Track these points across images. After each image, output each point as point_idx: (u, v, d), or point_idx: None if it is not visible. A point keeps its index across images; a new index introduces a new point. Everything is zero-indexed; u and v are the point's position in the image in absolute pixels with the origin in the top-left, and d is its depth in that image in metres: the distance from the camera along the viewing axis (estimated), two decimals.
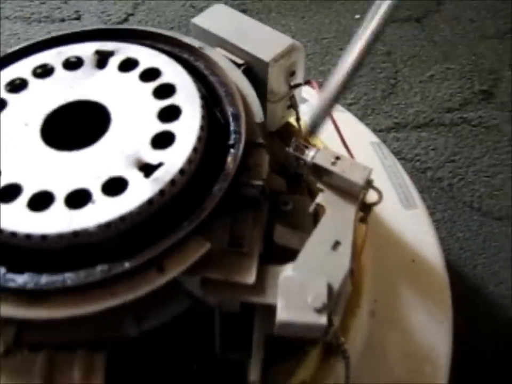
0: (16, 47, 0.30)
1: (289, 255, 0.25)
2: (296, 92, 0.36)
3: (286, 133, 0.38)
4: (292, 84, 0.35)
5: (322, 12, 0.88)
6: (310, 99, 0.43)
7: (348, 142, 0.37)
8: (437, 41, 0.88)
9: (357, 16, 0.92)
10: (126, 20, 0.82)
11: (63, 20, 0.83)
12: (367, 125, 0.72)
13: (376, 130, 0.73)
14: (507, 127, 0.75)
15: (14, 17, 0.83)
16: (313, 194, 0.32)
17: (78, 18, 0.84)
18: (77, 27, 0.81)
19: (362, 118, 0.75)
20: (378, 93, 0.78)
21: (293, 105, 0.36)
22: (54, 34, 0.32)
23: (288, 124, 0.39)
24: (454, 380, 0.39)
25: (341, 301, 0.28)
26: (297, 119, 0.37)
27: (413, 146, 0.72)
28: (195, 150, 0.24)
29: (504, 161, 0.72)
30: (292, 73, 0.34)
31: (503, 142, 0.74)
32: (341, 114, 0.50)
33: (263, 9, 0.86)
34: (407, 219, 0.44)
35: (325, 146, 0.31)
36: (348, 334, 0.33)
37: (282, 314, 0.21)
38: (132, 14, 0.83)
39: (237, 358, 0.25)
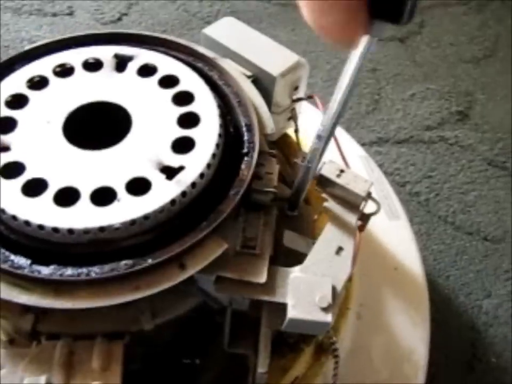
0: (34, 45, 0.31)
1: (292, 258, 0.27)
2: (296, 105, 0.38)
3: (284, 143, 0.40)
4: (295, 97, 0.37)
5: (308, 27, 0.91)
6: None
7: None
8: (418, 62, 0.92)
9: None
10: (119, 19, 0.82)
11: (55, 15, 0.83)
12: (352, 137, 0.74)
13: (359, 144, 0.76)
14: (481, 147, 0.79)
15: (5, 7, 0.82)
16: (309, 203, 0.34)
17: (70, 14, 0.84)
18: (69, 23, 0.81)
19: (347, 131, 0.77)
20: (362, 108, 0.81)
21: (293, 117, 0.38)
22: (69, 34, 0.33)
23: (286, 135, 0.41)
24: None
25: (337, 304, 0.30)
26: (296, 131, 0.39)
27: (393, 160, 0.75)
28: (214, 155, 0.26)
29: (477, 179, 0.75)
30: (296, 88, 0.36)
31: (476, 161, 0.78)
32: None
33: (254, 19, 0.88)
34: (391, 229, 0.46)
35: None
36: (338, 335, 0.35)
37: (292, 312, 0.23)
38: (126, 14, 0.83)
39: (243, 352, 0.27)
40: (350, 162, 0.45)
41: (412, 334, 0.41)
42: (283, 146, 0.39)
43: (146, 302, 0.24)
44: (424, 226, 0.69)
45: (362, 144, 0.76)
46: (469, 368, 0.56)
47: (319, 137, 0.24)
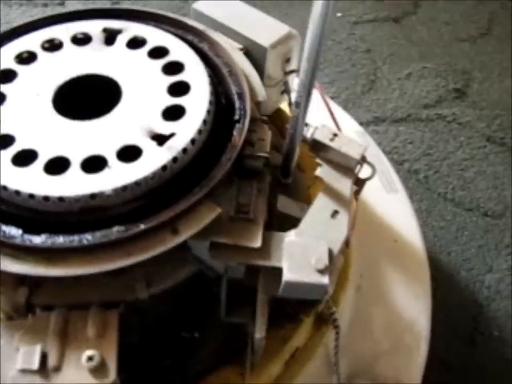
0: (21, 22, 0.31)
1: (287, 225, 0.27)
2: (289, 78, 0.38)
3: (278, 117, 0.40)
4: (287, 70, 0.37)
5: (304, 9, 0.90)
6: None
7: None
8: (414, 41, 0.91)
9: (339, 14, 0.94)
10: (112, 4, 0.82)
11: (46, 5, 0.82)
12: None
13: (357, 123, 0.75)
14: (479, 124, 0.79)
15: None
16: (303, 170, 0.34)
17: (61, 4, 0.83)
18: None
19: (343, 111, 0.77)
20: (358, 88, 0.80)
21: (286, 91, 0.38)
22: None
23: (279, 109, 0.40)
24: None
25: (335, 271, 0.29)
26: (290, 104, 0.38)
27: (391, 139, 0.75)
28: (204, 122, 0.25)
29: (476, 155, 0.75)
30: (288, 60, 0.36)
31: (475, 137, 0.77)
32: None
33: (247, 3, 0.88)
34: (390, 203, 0.46)
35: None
36: (338, 306, 0.35)
37: (288, 275, 0.23)
38: (117, 3, 0.83)
39: (240, 321, 0.26)
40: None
41: (413, 305, 0.41)
42: (277, 120, 0.39)
43: (141, 271, 0.24)
44: (424, 203, 0.69)
45: (360, 123, 0.76)
46: (471, 342, 0.56)
47: (297, 104, 0.24)
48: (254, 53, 0.34)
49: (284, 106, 0.40)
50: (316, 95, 0.31)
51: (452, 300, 0.60)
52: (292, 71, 0.37)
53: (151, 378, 0.27)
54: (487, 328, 0.58)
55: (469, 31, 0.99)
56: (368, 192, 0.46)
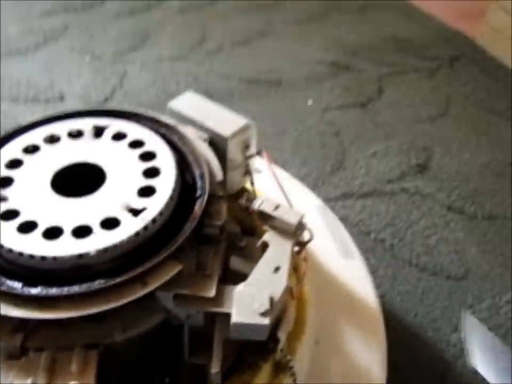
0: (29, 120, 0.39)
1: (240, 280, 0.33)
2: (250, 161, 0.45)
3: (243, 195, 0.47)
4: (247, 155, 0.44)
5: (279, 98, 1.01)
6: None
7: (296, 204, 0.46)
8: (378, 123, 1.01)
9: (310, 102, 1.04)
10: (105, 101, 0.92)
11: (48, 101, 0.92)
12: (318, 194, 0.81)
13: (326, 199, 0.82)
14: (439, 195, 0.86)
15: (3, 97, 0.92)
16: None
17: (61, 99, 0.93)
18: (60, 107, 0.91)
19: (313, 188, 0.84)
20: (327, 168, 0.88)
21: (248, 172, 0.45)
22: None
23: (244, 188, 0.47)
24: None
25: (286, 322, 0.35)
26: (252, 183, 0.46)
27: (358, 212, 0.81)
28: (171, 198, 0.32)
29: (438, 224, 0.81)
30: (247, 146, 0.44)
31: (436, 207, 0.84)
32: (290, 181, 0.60)
33: (226, 95, 0.98)
34: (346, 267, 0.52)
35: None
36: (295, 355, 0.40)
37: (235, 317, 0.29)
38: (111, 97, 0.93)
39: (201, 361, 0.32)
40: (307, 211, 0.53)
41: (368, 356, 0.46)
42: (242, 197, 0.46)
43: (118, 318, 0.30)
44: (390, 270, 0.74)
45: (329, 200, 0.83)
46: None
47: None
48: (218, 142, 0.41)
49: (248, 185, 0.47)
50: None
51: (420, 357, 0.64)
52: (251, 156, 0.44)
53: None
54: (455, 382, 0.61)
55: (429, 112, 1.09)
56: (326, 258, 0.52)
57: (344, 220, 0.80)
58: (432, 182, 0.88)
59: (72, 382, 0.26)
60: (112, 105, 0.92)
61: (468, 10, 1.57)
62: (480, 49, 1.35)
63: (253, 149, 0.44)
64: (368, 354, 0.46)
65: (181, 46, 1.15)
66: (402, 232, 0.78)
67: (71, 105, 0.91)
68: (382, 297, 0.70)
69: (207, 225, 0.32)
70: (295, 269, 0.40)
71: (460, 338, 0.65)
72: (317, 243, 0.52)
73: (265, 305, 0.29)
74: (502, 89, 1.21)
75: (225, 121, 0.42)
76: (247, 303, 0.29)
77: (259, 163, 0.49)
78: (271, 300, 0.30)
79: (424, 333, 0.65)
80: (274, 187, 0.44)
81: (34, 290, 0.28)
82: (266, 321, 0.29)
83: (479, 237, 0.80)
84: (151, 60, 1.08)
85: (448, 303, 0.69)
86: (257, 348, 0.36)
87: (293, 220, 0.33)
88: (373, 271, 0.74)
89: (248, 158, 0.44)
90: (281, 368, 0.38)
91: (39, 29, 1.14)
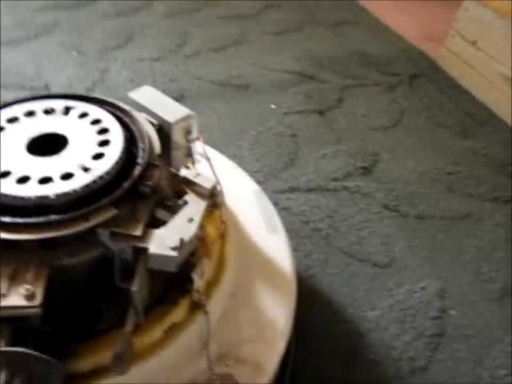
0: (15, 99, 0.49)
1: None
2: (191, 144, 0.56)
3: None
4: (189, 139, 0.55)
5: (244, 101, 1.12)
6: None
7: (236, 186, 0.58)
8: (334, 129, 1.12)
9: (273, 106, 1.15)
10: (86, 92, 1.02)
11: (32, 88, 1.02)
12: (267, 187, 0.92)
13: (274, 192, 0.92)
14: (378, 194, 0.96)
15: None
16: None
17: (46, 89, 1.03)
18: None
19: (264, 181, 0.94)
20: (280, 165, 0.98)
21: (190, 154, 0.56)
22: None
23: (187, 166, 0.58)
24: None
25: (199, 267, 0.45)
26: (193, 162, 0.56)
27: (301, 204, 0.91)
28: (116, 162, 0.43)
29: (372, 219, 0.92)
30: (189, 132, 0.54)
31: (373, 205, 0.94)
32: (229, 164, 0.71)
33: (197, 95, 1.09)
34: (270, 240, 0.63)
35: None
36: (210, 300, 0.50)
37: (152, 249, 0.39)
38: (92, 90, 1.03)
39: (128, 286, 0.42)
40: (244, 194, 0.64)
41: (275, 309, 0.56)
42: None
43: (67, 247, 0.40)
44: (322, 255, 0.84)
45: (276, 192, 0.93)
46: (351, 361, 0.68)
47: None
48: (165, 127, 0.52)
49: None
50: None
51: (338, 329, 0.74)
52: (192, 140, 0.55)
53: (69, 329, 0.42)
54: (365, 351, 0.72)
55: (382, 122, 1.20)
56: (254, 231, 0.63)
57: (287, 210, 0.90)
58: (373, 183, 0.99)
59: (26, 285, 0.37)
60: None
61: (433, 33, 1.70)
62: (440, 69, 1.47)
63: (194, 135, 0.55)
64: (276, 309, 0.56)
65: (161, 48, 1.26)
66: (338, 224, 0.89)
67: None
68: (312, 277, 0.82)
69: (141, 184, 0.43)
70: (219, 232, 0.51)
71: (375, 316, 0.75)
72: (247, 218, 0.64)
73: (176, 243, 0.40)
74: (454, 107, 1.33)
75: (172, 110, 0.52)
76: (163, 241, 0.40)
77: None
78: (181, 240, 0.41)
79: (344, 310, 0.76)
80: (210, 167, 0.55)
81: (6, 219, 0.38)
82: (173, 253, 0.39)
83: (408, 233, 0.91)
84: (132, 59, 1.18)
85: (371, 286, 0.79)
86: (177, 287, 0.47)
87: (207, 185, 0.44)
88: (307, 254, 0.85)
89: (189, 141, 0.55)
90: (197, 308, 0.49)
91: (31, 23, 1.25)
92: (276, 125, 1.07)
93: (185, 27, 1.36)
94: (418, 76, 1.42)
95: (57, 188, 0.40)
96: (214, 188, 0.44)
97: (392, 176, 1.01)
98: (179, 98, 1.02)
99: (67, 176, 0.41)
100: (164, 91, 0.55)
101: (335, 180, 0.97)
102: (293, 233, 0.81)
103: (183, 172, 0.45)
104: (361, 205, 0.94)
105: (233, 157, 0.94)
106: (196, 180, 0.44)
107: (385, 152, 1.07)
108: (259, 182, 0.83)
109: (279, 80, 1.21)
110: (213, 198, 0.45)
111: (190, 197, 0.44)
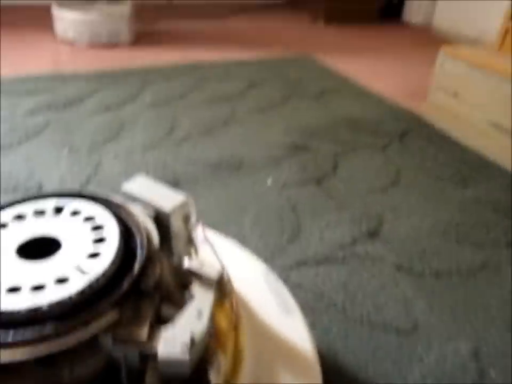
0: (7, 202, 0.47)
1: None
2: (192, 231, 0.53)
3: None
4: (188, 225, 0.52)
5: (239, 180, 1.11)
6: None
7: (243, 269, 0.54)
8: (333, 196, 1.10)
9: (269, 182, 1.14)
10: (80, 188, 1.01)
11: (27, 190, 1.01)
12: (274, 264, 0.88)
13: (282, 268, 0.89)
14: (389, 257, 0.93)
15: None
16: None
17: (40, 189, 1.02)
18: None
19: (270, 258, 0.91)
20: (284, 239, 0.95)
21: (191, 242, 0.53)
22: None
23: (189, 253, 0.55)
24: None
25: (216, 366, 0.41)
26: (195, 250, 0.53)
27: (311, 278, 0.87)
28: (113, 262, 0.40)
29: (387, 283, 0.88)
30: (187, 218, 0.52)
31: (386, 268, 0.91)
32: (232, 244, 0.68)
33: (192, 179, 1.08)
34: (286, 322, 0.59)
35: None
36: None
37: (161, 354, 0.35)
38: (86, 185, 1.02)
39: None
40: (252, 276, 0.60)
41: None
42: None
43: (66, 361, 0.36)
44: (342, 329, 0.79)
45: (283, 269, 0.89)
46: None
47: None
48: (162, 217, 0.50)
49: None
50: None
51: None
52: (191, 227, 0.52)
53: None
54: None
55: (380, 183, 1.19)
56: (268, 315, 0.59)
57: (298, 285, 0.86)
58: (382, 245, 0.96)
59: None
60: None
61: (414, 91, 1.75)
62: (427, 124, 1.50)
63: (193, 220, 0.53)
64: None
65: (152, 137, 1.27)
66: (353, 294, 0.84)
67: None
68: (335, 355, 0.76)
69: (143, 281, 0.40)
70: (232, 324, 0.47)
71: None
72: (259, 302, 0.60)
73: (187, 344, 0.36)
74: (448, 157, 1.33)
75: (168, 199, 0.50)
76: (171, 342, 0.36)
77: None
78: (192, 339, 0.37)
79: None
80: (214, 253, 0.52)
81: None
82: (186, 356, 0.35)
83: (427, 292, 0.87)
84: (124, 150, 1.19)
85: (398, 357, 0.74)
86: None
87: (213, 274, 0.41)
88: (326, 331, 0.80)
89: (189, 228, 0.52)
90: None
91: (23, 126, 1.27)
92: (275, 199, 1.05)
93: (173, 113, 1.38)
94: (408, 133, 1.44)
95: (51, 294, 0.37)
96: (221, 276, 0.41)
97: (400, 236, 0.99)
98: (174, 184, 1.01)
99: (61, 281, 0.38)
100: (158, 178, 0.53)
101: (342, 247, 0.94)
102: (308, 310, 0.77)
103: (186, 262, 0.42)
104: (374, 270, 0.91)
105: (236, 236, 0.91)
106: (201, 271, 0.41)
107: (389, 213, 1.06)
108: (265, 259, 0.80)
109: (272, 154, 1.22)
110: (221, 288, 0.42)
111: (196, 288, 0.41)
